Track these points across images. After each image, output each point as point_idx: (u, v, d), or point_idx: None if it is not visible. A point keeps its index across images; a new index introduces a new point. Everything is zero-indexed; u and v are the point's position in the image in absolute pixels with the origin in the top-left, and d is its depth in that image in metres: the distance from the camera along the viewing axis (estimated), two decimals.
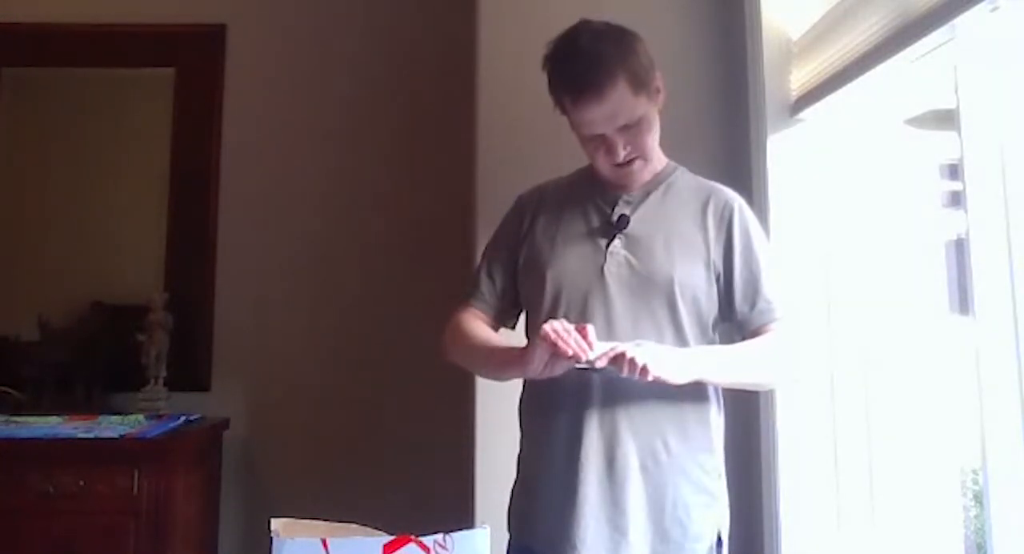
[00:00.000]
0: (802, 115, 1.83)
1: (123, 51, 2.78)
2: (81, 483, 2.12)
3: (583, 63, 1.32)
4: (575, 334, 1.22)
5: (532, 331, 1.42)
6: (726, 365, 1.35)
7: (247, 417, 2.70)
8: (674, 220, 1.42)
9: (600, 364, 1.21)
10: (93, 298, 2.67)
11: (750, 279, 1.40)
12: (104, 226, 2.75)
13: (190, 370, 2.66)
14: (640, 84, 1.34)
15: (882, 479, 1.66)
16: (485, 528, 1.00)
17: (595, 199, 1.45)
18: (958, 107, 1.30)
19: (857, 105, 1.70)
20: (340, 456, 2.67)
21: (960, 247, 1.43)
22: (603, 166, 1.40)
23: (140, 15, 2.79)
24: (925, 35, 1.31)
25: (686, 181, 1.48)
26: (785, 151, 1.85)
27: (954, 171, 1.50)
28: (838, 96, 1.65)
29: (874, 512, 1.68)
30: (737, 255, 1.40)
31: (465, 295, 1.51)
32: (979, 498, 1.45)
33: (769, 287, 1.40)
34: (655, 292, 1.36)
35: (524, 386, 1.47)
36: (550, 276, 1.39)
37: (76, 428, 2.24)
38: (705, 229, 1.41)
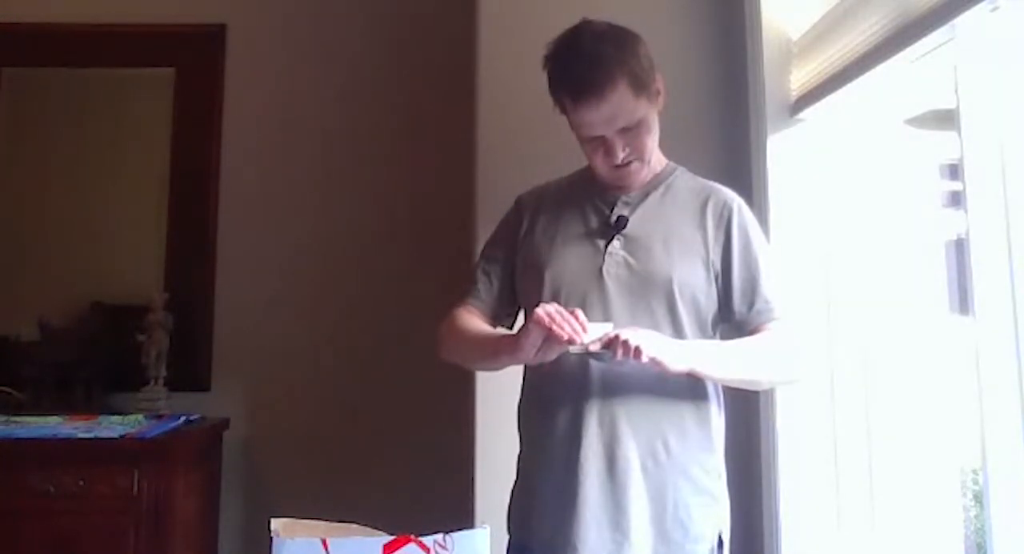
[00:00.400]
0: (802, 115, 1.83)
1: (123, 51, 2.78)
2: (81, 483, 2.13)
3: (584, 64, 1.32)
4: (569, 317, 1.21)
5: None
6: (723, 358, 1.35)
7: (247, 417, 2.70)
8: (673, 220, 1.41)
9: (594, 348, 1.21)
10: (93, 298, 2.67)
11: (748, 279, 1.40)
12: (104, 226, 2.75)
13: (190, 370, 2.66)
14: (641, 86, 1.34)
15: (882, 479, 1.66)
16: (485, 528, 1.01)
17: (594, 200, 1.45)
18: (958, 107, 1.30)
19: (857, 105, 1.70)
20: (340, 456, 2.67)
21: (960, 247, 1.43)
22: (601, 167, 1.40)
23: (140, 15, 2.79)
24: (925, 35, 1.31)
25: (685, 181, 1.47)
26: (785, 151, 1.85)
27: (954, 171, 1.50)
28: (838, 96, 1.65)
29: (874, 512, 1.68)
30: (736, 255, 1.40)
31: (462, 294, 1.51)
32: (979, 498, 1.45)
33: (768, 287, 1.40)
34: (654, 292, 1.35)
35: (522, 387, 1.47)
36: (549, 277, 1.39)
37: (76, 428, 2.24)
38: (704, 229, 1.41)
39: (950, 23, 1.26)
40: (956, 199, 1.48)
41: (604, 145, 1.36)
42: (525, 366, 1.44)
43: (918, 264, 1.64)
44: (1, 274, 2.72)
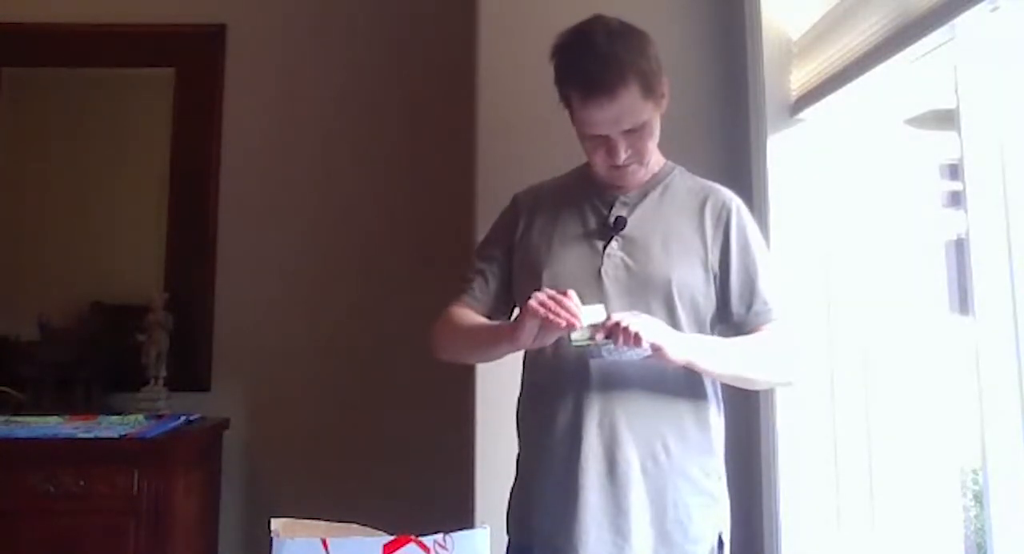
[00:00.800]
0: (802, 115, 1.83)
1: (123, 51, 2.78)
2: (81, 483, 2.13)
3: (597, 62, 1.30)
4: (565, 302, 1.21)
5: None
6: (721, 354, 1.35)
7: (247, 417, 2.70)
8: (671, 221, 1.41)
9: (598, 337, 1.21)
10: (93, 298, 2.67)
11: (747, 280, 1.39)
12: (104, 226, 2.75)
13: (190, 370, 2.66)
14: (649, 89, 1.33)
15: (882, 479, 1.66)
16: (485, 528, 1.01)
17: (592, 200, 1.44)
18: (958, 107, 1.30)
19: (857, 105, 1.70)
20: (340, 456, 2.67)
21: (960, 247, 1.43)
22: (600, 166, 1.39)
23: (140, 15, 2.79)
24: (925, 35, 1.31)
25: (684, 181, 1.47)
26: (785, 151, 1.85)
27: (954, 171, 1.50)
28: (838, 96, 1.65)
29: (874, 512, 1.68)
30: (734, 256, 1.40)
31: (457, 291, 1.50)
32: (979, 498, 1.45)
33: (766, 288, 1.40)
34: (652, 293, 1.35)
35: (521, 384, 1.46)
36: (546, 278, 1.38)
37: (76, 428, 2.24)
38: (703, 230, 1.40)
39: (950, 23, 1.26)
40: (956, 199, 1.48)
41: (606, 145, 1.36)
42: (524, 361, 1.44)
43: (918, 264, 1.64)
44: (1, 274, 2.71)
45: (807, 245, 1.81)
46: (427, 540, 0.97)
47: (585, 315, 1.22)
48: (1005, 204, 1.23)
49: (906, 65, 1.44)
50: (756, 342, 1.38)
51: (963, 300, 1.35)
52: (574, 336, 1.22)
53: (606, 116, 1.32)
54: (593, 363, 1.32)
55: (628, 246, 1.38)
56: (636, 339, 1.19)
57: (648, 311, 1.33)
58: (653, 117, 1.37)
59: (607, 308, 1.29)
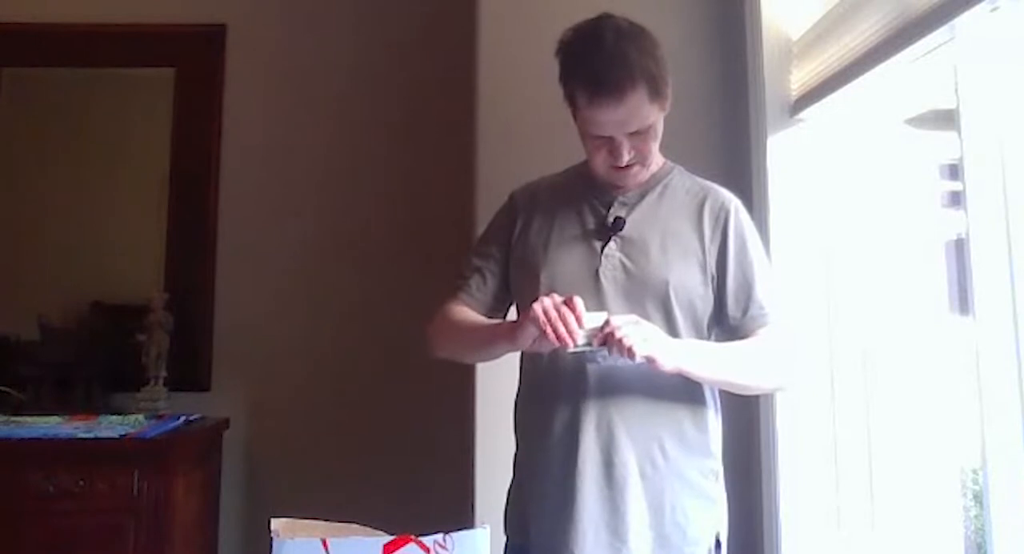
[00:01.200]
0: (802, 115, 1.83)
1: (123, 51, 2.78)
2: (81, 483, 2.12)
3: (606, 63, 1.29)
4: (566, 315, 1.20)
5: None
6: (715, 360, 1.34)
7: (247, 417, 2.70)
8: (670, 222, 1.40)
9: (595, 343, 1.21)
10: (93, 298, 2.68)
11: (743, 284, 1.38)
12: (104, 226, 2.75)
13: (190, 370, 2.66)
14: (656, 92, 1.32)
15: (882, 479, 1.66)
16: (485, 528, 1.00)
17: (590, 199, 1.44)
18: (958, 107, 1.30)
19: (857, 105, 1.70)
20: (340, 456, 2.67)
21: (960, 247, 1.43)
22: (601, 166, 1.38)
23: (140, 15, 2.79)
24: (925, 35, 1.31)
25: (682, 181, 1.46)
26: (785, 151, 1.85)
27: (954, 171, 1.50)
28: (838, 96, 1.65)
29: (874, 512, 1.68)
30: (731, 259, 1.39)
31: (453, 288, 1.49)
32: (979, 498, 1.45)
33: (762, 292, 1.39)
34: (650, 295, 1.34)
35: (519, 383, 1.46)
36: (544, 278, 1.37)
37: (76, 428, 2.24)
38: (701, 231, 1.40)
39: (950, 23, 1.26)
40: (956, 199, 1.48)
41: (610, 146, 1.34)
42: (521, 362, 1.44)
43: (918, 264, 1.64)
44: (1, 274, 2.71)
45: (807, 245, 1.81)
46: (427, 540, 0.97)
47: (589, 321, 1.21)
48: (1005, 204, 1.23)
49: (906, 65, 1.44)
50: (751, 348, 1.36)
51: (963, 300, 1.35)
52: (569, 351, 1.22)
53: (613, 118, 1.31)
54: (591, 366, 1.32)
55: (626, 247, 1.38)
56: (629, 353, 1.19)
57: (645, 312, 1.32)
58: (658, 119, 1.35)
59: (608, 311, 1.28)
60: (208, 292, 2.72)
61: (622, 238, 1.38)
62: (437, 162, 2.76)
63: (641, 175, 1.41)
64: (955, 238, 1.58)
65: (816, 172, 1.82)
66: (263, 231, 2.77)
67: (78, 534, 2.10)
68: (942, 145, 1.62)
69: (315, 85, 2.83)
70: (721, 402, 1.42)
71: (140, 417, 2.40)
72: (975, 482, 1.65)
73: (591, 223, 1.41)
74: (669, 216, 1.41)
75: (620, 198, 1.42)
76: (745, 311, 1.38)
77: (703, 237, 1.39)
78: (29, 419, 2.32)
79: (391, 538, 0.96)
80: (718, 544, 1.38)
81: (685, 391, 1.35)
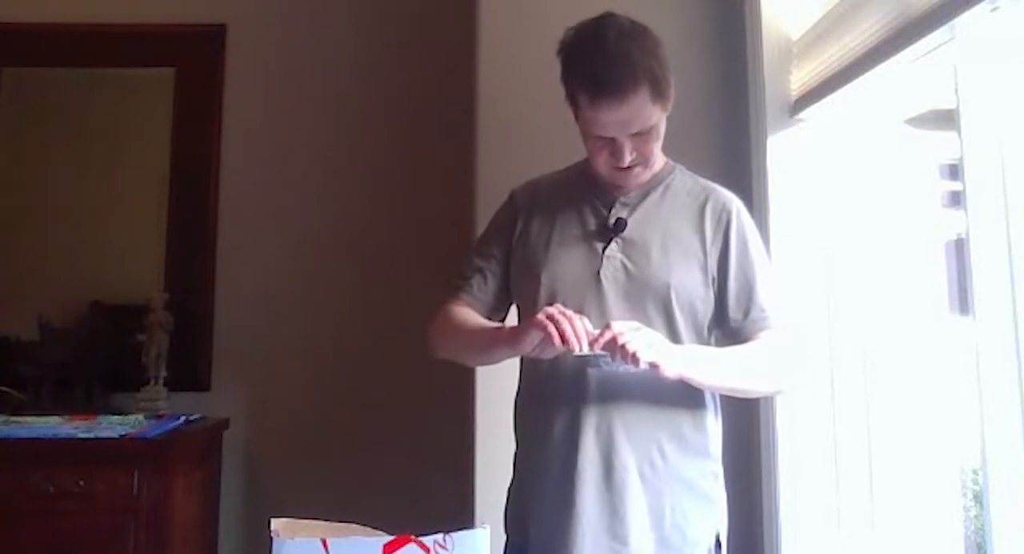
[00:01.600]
0: (802, 115, 1.83)
1: (123, 51, 2.78)
2: (81, 483, 2.12)
3: (609, 63, 1.27)
4: (573, 318, 1.20)
5: None
6: (716, 365, 1.33)
7: (247, 417, 2.70)
8: (671, 223, 1.39)
9: (596, 348, 1.20)
10: (93, 298, 2.67)
11: (745, 286, 1.38)
12: (104, 226, 2.75)
13: (190, 370, 2.66)
14: (659, 92, 1.31)
15: (882, 479, 1.66)
16: (485, 528, 1.00)
17: (592, 200, 1.43)
18: (958, 107, 1.30)
19: (857, 105, 1.70)
20: (340, 456, 2.67)
21: (960, 247, 1.43)
22: (603, 167, 1.37)
23: (140, 15, 2.79)
24: (925, 35, 1.31)
25: (684, 182, 1.45)
26: (785, 151, 1.85)
27: (954, 171, 1.50)
28: (838, 96, 1.65)
29: (874, 512, 1.68)
30: (732, 261, 1.38)
31: (454, 288, 1.48)
32: (979, 498, 1.45)
33: (764, 295, 1.38)
34: (651, 297, 1.34)
35: (519, 383, 1.46)
36: (545, 279, 1.36)
37: (76, 428, 2.24)
38: (702, 232, 1.39)
39: (950, 23, 1.26)
40: (956, 199, 1.48)
41: (611, 146, 1.33)
42: (521, 364, 1.44)
43: (918, 264, 1.64)
44: (1, 274, 2.71)
45: (807, 245, 1.81)
46: (427, 540, 0.96)
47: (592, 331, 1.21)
48: (1005, 204, 1.23)
49: (906, 65, 1.44)
50: (752, 353, 1.35)
51: (963, 300, 1.35)
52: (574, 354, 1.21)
53: (614, 119, 1.30)
54: (591, 370, 1.31)
55: (627, 248, 1.37)
56: (633, 359, 1.18)
57: (646, 314, 1.32)
58: (661, 120, 1.34)
59: (607, 313, 1.28)
60: (208, 292, 2.72)
61: (623, 239, 1.37)
62: (437, 162, 2.76)
63: (643, 176, 1.40)
64: (955, 238, 1.58)
65: (816, 172, 1.82)
66: (263, 231, 2.77)
67: (78, 534, 2.10)
68: (942, 145, 1.61)
69: (315, 85, 2.83)
70: (721, 403, 1.42)
71: (140, 417, 2.40)
72: (975, 482, 1.65)
73: (592, 224, 1.41)
74: (670, 217, 1.40)
75: (622, 199, 1.41)
76: (746, 314, 1.37)
77: (704, 239, 1.38)
78: (29, 419, 2.32)
79: (391, 538, 0.96)
80: (718, 544, 1.38)
81: (685, 394, 1.34)
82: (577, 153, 1.44)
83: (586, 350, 1.20)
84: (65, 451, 2.15)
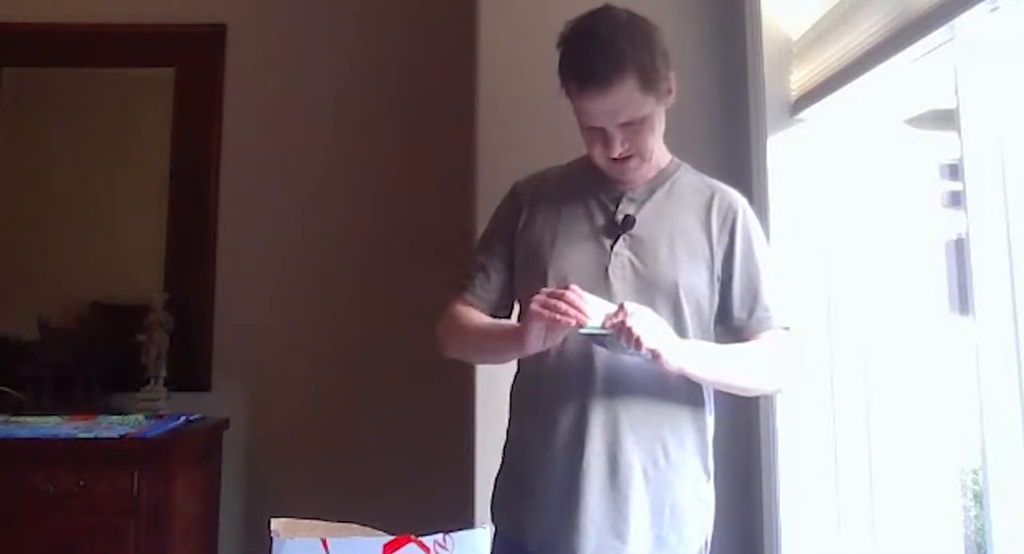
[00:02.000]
0: (802, 115, 1.83)
1: (123, 51, 2.78)
2: (81, 483, 2.12)
3: (596, 52, 1.28)
4: (568, 296, 1.19)
5: None
6: (718, 362, 1.33)
7: (247, 417, 2.70)
8: (678, 220, 1.39)
9: (607, 325, 1.20)
10: (93, 298, 2.67)
11: (749, 285, 1.38)
12: (104, 226, 2.75)
13: (190, 370, 2.66)
14: (650, 83, 1.30)
15: (882, 479, 1.66)
16: (485, 528, 1.00)
17: (597, 195, 1.42)
18: (958, 107, 1.30)
19: (857, 105, 1.70)
20: (340, 456, 2.67)
21: (960, 247, 1.43)
22: (599, 158, 1.37)
23: (140, 15, 2.79)
24: (925, 35, 1.31)
25: (689, 179, 1.45)
26: (785, 151, 1.84)
27: (954, 171, 1.50)
28: (838, 96, 1.65)
29: (874, 512, 1.68)
30: (738, 260, 1.38)
31: (459, 287, 1.47)
32: (979, 498, 1.45)
33: (768, 294, 1.38)
34: (659, 294, 1.33)
35: (518, 376, 1.44)
36: (552, 275, 1.35)
37: (76, 428, 2.24)
38: (708, 230, 1.39)
39: (950, 23, 1.25)
40: (956, 199, 1.48)
41: (603, 137, 1.34)
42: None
43: (918, 264, 1.64)
44: (1, 274, 2.71)
45: (807, 245, 1.81)
46: (427, 540, 0.97)
47: (598, 307, 1.21)
48: (1005, 204, 1.23)
49: (906, 65, 1.44)
50: (754, 352, 1.36)
51: (963, 300, 1.35)
52: (581, 331, 1.21)
53: (602, 108, 1.30)
54: (598, 365, 1.32)
55: (635, 246, 1.36)
56: (637, 343, 1.18)
57: (655, 311, 1.31)
58: (655, 112, 1.34)
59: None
60: (208, 292, 2.72)
61: (631, 236, 1.37)
62: (437, 162, 2.76)
63: (642, 169, 1.40)
64: (955, 238, 1.58)
65: (816, 172, 1.82)
66: (263, 231, 2.77)
67: (78, 534, 2.10)
68: (942, 145, 1.61)
69: (315, 85, 2.83)
70: (720, 402, 1.42)
71: (140, 417, 2.40)
72: (975, 482, 1.65)
73: (600, 219, 1.40)
74: (677, 214, 1.40)
75: (628, 194, 1.40)
76: (751, 313, 1.37)
77: (711, 237, 1.38)
78: (29, 419, 2.32)
79: (391, 538, 0.96)
80: (706, 544, 1.39)
81: (687, 391, 1.35)
82: (577, 152, 1.44)
83: (591, 327, 1.20)
84: (65, 451, 2.15)
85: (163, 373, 2.58)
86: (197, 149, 2.77)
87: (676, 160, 1.47)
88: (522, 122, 2.02)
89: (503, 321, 1.43)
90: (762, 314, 1.37)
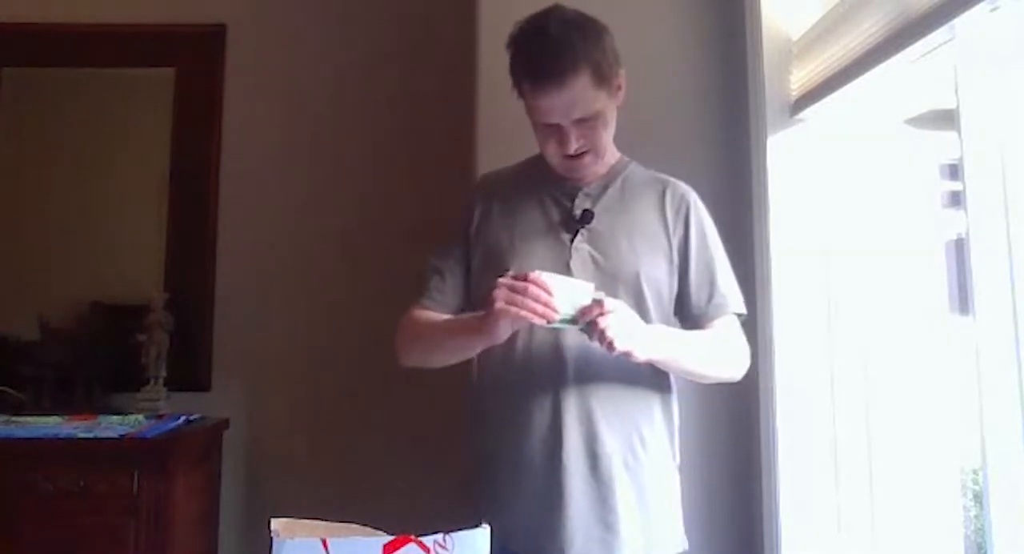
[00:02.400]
0: (802, 115, 1.83)
1: (123, 51, 2.78)
2: (81, 483, 2.12)
3: (548, 49, 1.30)
4: (535, 293, 1.18)
5: None
6: (685, 352, 1.36)
7: (247, 417, 2.70)
8: (634, 213, 1.42)
9: (582, 321, 1.20)
10: (93, 298, 2.67)
11: (706, 273, 1.42)
12: (104, 226, 2.75)
13: (190, 370, 2.66)
14: (602, 78, 1.32)
15: (882, 479, 1.66)
16: (485, 528, 1.00)
17: (552, 191, 1.44)
18: (958, 107, 1.29)
19: (857, 105, 1.69)
20: (340, 456, 2.67)
21: (960, 247, 1.43)
22: (553, 156, 1.39)
23: (140, 15, 2.79)
24: (925, 35, 1.31)
25: (640, 174, 1.48)
26: (785, 151, 1.84)
27: (954, 171, 1.50)
28: (838, 96, 1.65)
29: (874, 512, 1.68)
30: (693, 249, 1.42)
31: (416, 295, 1.47)
32: (979, 498, 1.45)
33: (723, 280, 1.42)
34: (621, 287, 1.35)
35: (481, 380, 1.44)
36: (513, 272, 1.33)
37: (76, 428, 2.24)
38: (664, 221, 1.42)
39: (950, 23, 1.25)
40: (956, 199, 1.48)
41: (558, 134, 1.35)
42: (481, 355, 1.41)
43: (918, 264, 1.64)
44: (1, 274, 2.71)
45: (807, 245, 1.81)
46: (427, 540, 0.96)
47: (568, 294, 1.20)
48: (1005, 204, 1.23)
49: (906, 65, 1.44)
50: (713, 339, 1.40)
51: (963, 300, 1.35)
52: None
53: (556, 104, 1.31)
54: (568, 357, 1.32)
55: (594, 240, 1.38)
56: (610, 346, 1.19)
57: None
58: (607, 107, 1.36)
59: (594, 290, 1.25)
60: (208, 292, 2.72)
61: (589, 231, 1.39)
62: (437, 162, 2.76)
63: (596, 165, 1.42)
64: (955, 238, 1.58)
65: (816, 172, 1.82)
66: (263, 231, 2.77)
67: (78, 534, 2.10)
68: (942, 145, 1.61)
69: (315, 85, 2.83)
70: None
71: (140, 417, 2.40)
72: (975, 482, 1.65)
73: (556, 215, 1.41)
74: (633, 207, 1.42)
75: (584, 190, 1.43)
76: (709, 299, 1.41)
77: (667, 227, 1.42)
78: (29, 419, 2.32)
79: (391, 538, 0.96)
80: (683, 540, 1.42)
81: (655, 379, 1.38)
82: None
83: (561, 320, 1.19)
84: (65, 451, 2.15)
85: (163, 373, 2.58)
86: (197, 149, 2.77)
87: (625, 157, 1.50)
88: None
89: (462, 315, 1.42)
90: (719, 300, 1.41)
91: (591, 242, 1.38)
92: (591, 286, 1.24)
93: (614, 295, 1.31)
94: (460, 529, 0.99)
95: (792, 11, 1.87)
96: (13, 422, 2.30)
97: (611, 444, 1.33)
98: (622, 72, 1.39)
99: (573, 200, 1.42)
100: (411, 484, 2.58)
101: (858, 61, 1.54)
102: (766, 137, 1.86)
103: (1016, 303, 1.20)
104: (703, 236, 1.43)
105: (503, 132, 2.05)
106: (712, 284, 1.42)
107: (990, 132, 1.25)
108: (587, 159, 1.39)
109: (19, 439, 2.17)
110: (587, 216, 1.39)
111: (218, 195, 2.77)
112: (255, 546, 2.33)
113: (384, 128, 2.81)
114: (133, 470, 2.14)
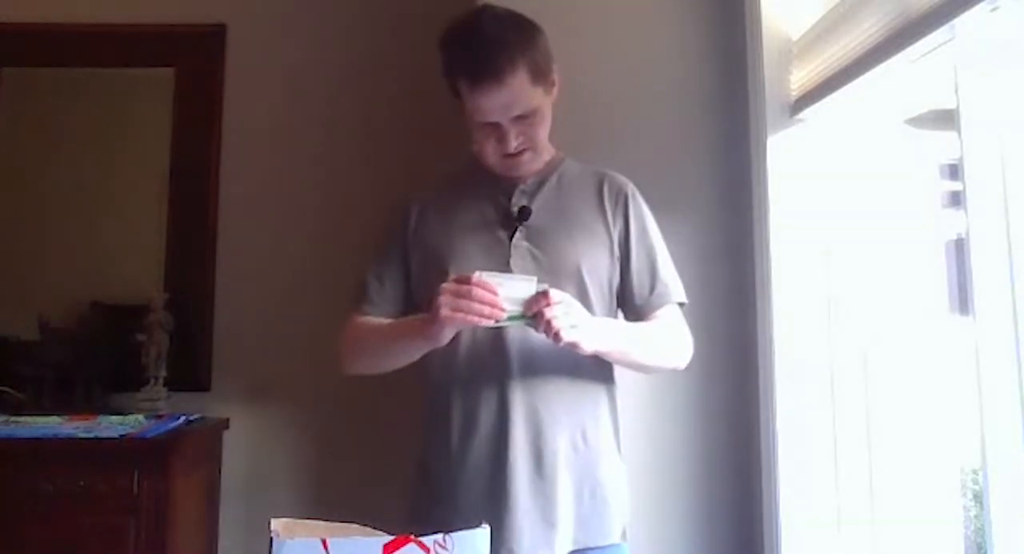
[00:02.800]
0: (802, 115, 1.82)
1: (123, 51, 2.78)
2: (81, 483, 2.12)
3: (485, 48, 1.30)
4: (479, 295, 1.17)
5: None
6: (633, 340, 1.37)
7: (247, 417, 2.70)
8: (573, 208, 1.42)
9: (528, 313, 1.20)
10: (93, 298, 2.67)
11: (648, 263, 1.42)
12: (104, 226, 2.75)
13: (190, 370, 2.66)
14: (539, 75, 1.33)
15: (882, 479, 1.66)
16: (485, 528, 1.00)
17: (488, 189, 1.44)
18: (958, 107, 1.29)
19: (857, 105, 1.69)
20: (340, 456, 2.67)
21: (960, 247, 1.43)
22: (491, 155, 1.39)
23: (140, 15, 2.79)
24: (925, 35, 1.31)
25: (577, 168, 1.48)
26: (785, 151, 1.84)
27: (954, 171, 1.50)
28: (838, 96, 1.65)
29: (874, 512, 1.68)
30: (634, 240, 1.42)
31: (353, 302, 1.46)
32: (979, 498, 1.45)
33: (664, 270, 1.43)
34: (563, 282, 1.34)
35: (428, 372, 1.43)
36: (453, 272, 1.33)
37: (76, 428, 2.24)
38: (603, 214, 1.42)
39: (950, 23, 1.25)
40: (956, 199, 1.48)
41: (497, 132, 1.35)
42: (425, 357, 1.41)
43: (918, 264, 1.64)
44: (1, 274, 2.71)
45: (807, 245, 1.81)
46: (427, 540, 0.96)
47: (512, 291, 1.20)
48: (1005, 204, 1.23)
49: (906, 65, 1.44)
50: (657, 329, 1.40)
51: (963, 300, 1.35)
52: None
53: (495, 102, 1.31)
54: (513, 353, 1.32)
55: (533, 236, 1.38)
56: (556, 337, 1.19)
57: None
58: (544, 104, 1.37)
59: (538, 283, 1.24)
60: (208, 292, 2.72)
61: (528, 227, 1.38)
62: (439, 162, 2.74)
63: (533, 162, 1.42)
64: (955, 238, 1.58)
65: (816, 172, 1.82)
66: (263, 231, 2.77)
67: (78, 534, 2.10)
68: (942, 145, 1.61)
69: (315, 85, 2.83)
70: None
71: (140, 417, 2.40)
72: (975, 482, 1.65)
73: (493, 214, 1.41)
74: (571, 202, 1.43)
75: (521, 187, 1.43)
76: (652, 289, 1.42)
77: (606, 219, 1.42)
78: (29, 419, 2.32)
79: (391, 538, 0.96)
80: (623, 536, 1.41)
81: (601, 373, 1.38)
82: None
83: (508, 317, 1.19)
84: (65, 451, 2.15)
85: (163, 373, 2.58)
86: (197, 149, 2.76)
87: (560, 153, 1.50)
88: None
89: (405, 318, 1.41)
90: (661, 289, 1.42)
91: (530, 239, 1.38)
92: (534, 279, 1.23)
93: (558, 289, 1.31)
94: (460, 529, 0.99)
95: (792, 11, 1.87)
96: (13, 422, 2.30)
97: (556, 441, 1.33)
98: (556, 67, 1.39)
99: (510, 198, 1.42)
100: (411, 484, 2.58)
101: (858, 61, 1.54)
102: (766, 137, 1.85)
103: (1016, 303, 1.20)
104: (643, 227, 1.44)
105: None
106: (654, 274, 1.42)
107: (990, 132, 1.25)
108: (526, 157, 1.39)
109: (19, 439, 2.17)
110: (525, 213, 1.39)
111: (218, 195, 2.77)
112: (255, 546, 2.33)
113: (384, 128, 2.81)
114: (133, 470, 2.14)
